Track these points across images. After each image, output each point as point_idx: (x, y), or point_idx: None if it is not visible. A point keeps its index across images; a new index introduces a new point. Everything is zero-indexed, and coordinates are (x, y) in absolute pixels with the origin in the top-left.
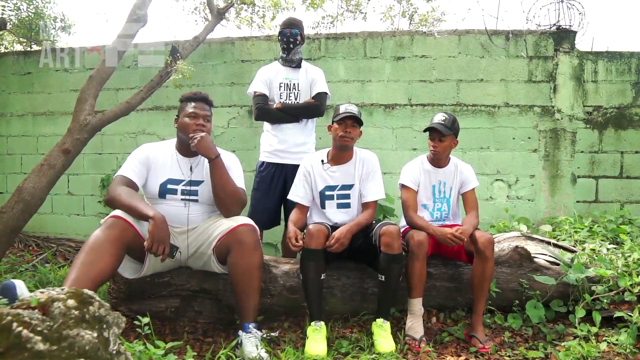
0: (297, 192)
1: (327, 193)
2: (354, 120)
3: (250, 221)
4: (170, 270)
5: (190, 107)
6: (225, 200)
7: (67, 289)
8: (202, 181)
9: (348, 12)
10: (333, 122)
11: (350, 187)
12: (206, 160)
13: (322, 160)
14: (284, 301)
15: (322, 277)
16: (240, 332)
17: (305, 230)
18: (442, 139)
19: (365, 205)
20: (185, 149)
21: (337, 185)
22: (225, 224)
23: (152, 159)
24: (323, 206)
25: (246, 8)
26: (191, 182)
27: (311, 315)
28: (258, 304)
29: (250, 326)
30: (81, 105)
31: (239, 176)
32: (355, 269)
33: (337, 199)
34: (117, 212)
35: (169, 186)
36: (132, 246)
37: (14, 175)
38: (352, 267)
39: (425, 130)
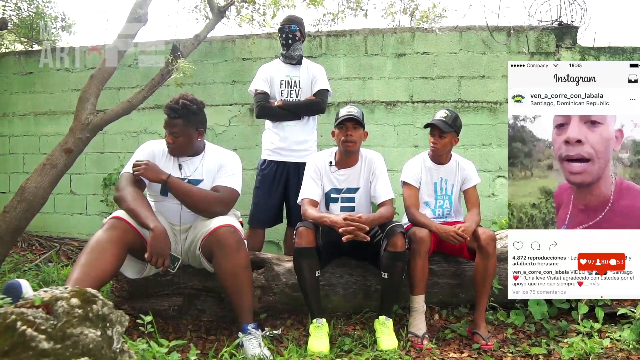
0: (311, 190)
1: (333, 196)
2: (354, 122)
3: (232, 221)
4: None
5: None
6: (199, 208)
7: (70, 288)
8: (201, 180)
9: (349, 10)
10: (334, 127)
11: (355, 190)
12: (205, 159)
13: (330, 162)
14: (287, 299)
15: (317, 274)
16: (240, 334)
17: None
18: (443, 136)
19: (381, 205)
20: None
21: (343, 189)
22: (207, 226)
23: (156, 155)
24: (327, 207)
25: (247, 6)
26: (189, 181)
27: (311, 312)
28: (252, 303)
29: (249, 327)
30: (83, 104)
31: (232, 174)
32: (357, 266)
33: (342, 202)
34: (118, 213)
35: None
36: (134, 246)
37: (16, 175)
38: (354, 264)
39: (426, 127)
